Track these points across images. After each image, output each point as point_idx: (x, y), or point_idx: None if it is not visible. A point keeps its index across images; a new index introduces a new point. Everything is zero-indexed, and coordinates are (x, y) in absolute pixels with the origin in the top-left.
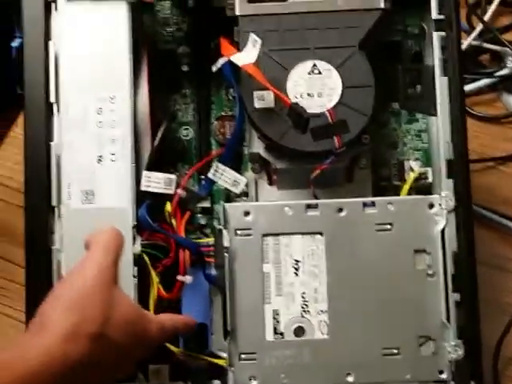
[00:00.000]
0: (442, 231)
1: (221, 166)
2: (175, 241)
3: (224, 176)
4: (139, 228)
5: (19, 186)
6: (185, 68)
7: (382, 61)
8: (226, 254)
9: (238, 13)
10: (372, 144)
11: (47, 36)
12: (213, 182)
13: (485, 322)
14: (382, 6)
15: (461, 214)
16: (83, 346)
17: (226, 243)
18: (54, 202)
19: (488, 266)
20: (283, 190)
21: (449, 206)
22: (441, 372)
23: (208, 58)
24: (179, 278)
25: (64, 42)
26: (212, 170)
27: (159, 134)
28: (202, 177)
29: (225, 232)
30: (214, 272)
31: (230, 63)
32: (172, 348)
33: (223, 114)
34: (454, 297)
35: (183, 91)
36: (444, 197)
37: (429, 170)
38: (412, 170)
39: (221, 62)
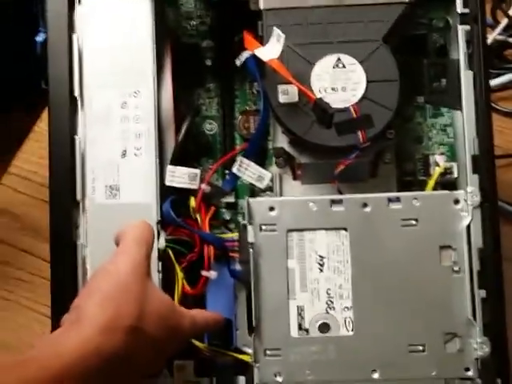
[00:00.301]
0: (468, 227)
1: (245, 160)
2: (199, 236)
3: (248, 171)
4: (163, 223)
5: (44, 180)
6: (208, 62)
7: (407, 54)
8: (250, 250)
9: (261, 7)
10: (397, 139)
11: (71, 30)
12: (237, 177)
13: (511, 319)
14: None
15: (486, 210)
16: (119, 340)
17: (250, 239)
18: (78, 197)
19: None
20: (307, 185)
21: (474, 201)
22: (467, 369)
23: (232, 52)
24: (204, 273)
25: (88, 36)
26: (236, 165)
27: (183, 129)
28: (227, 172)
29: (249, 227)
30: (238, 267)
31: (254, 57)
32: (197, 344)
33: (247, 108)
34: (480, 294)
35: (207, 85)
36: (469, 192)
37: (454, 164)
38: (437, 164)
39: (245, 55)
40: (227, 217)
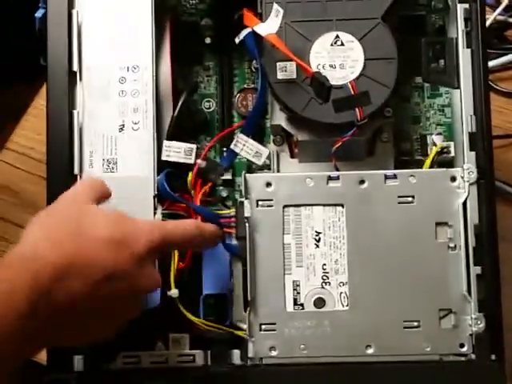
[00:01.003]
0: (464, 204)
1: (243, 136)
2: (194, 210)
3: (246, 147)
4: (160, 197)
5: (41, 156)
6: (208, 40)
7: (406, 34)
8: (246, 224)
9: None
10: (394, 117)
11: (71, 5)
12: (235, 154)
13: (506, 299)
14: None
15: (483, 187)
16: (58, 249)
17: (246, 213)
18: (76, 171)
19: (511, 242)
20: (305, 163)
21: (471, 178)
22: (461, 345)
23: (231, 30)
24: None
25: (87, 11)
26: (234, 141)
27: (180, 103)
28: (224, 149)
29: (246, 202)
30: (234, 243)
31: (253, 35)
32: (192, 318)
33: (245, 86)
34: (475, 270)
35: (206, 63)
36: (466, 169)
37: (451, 144)
38: (434, 144)
39: (244, 33)
40: (224, 194)
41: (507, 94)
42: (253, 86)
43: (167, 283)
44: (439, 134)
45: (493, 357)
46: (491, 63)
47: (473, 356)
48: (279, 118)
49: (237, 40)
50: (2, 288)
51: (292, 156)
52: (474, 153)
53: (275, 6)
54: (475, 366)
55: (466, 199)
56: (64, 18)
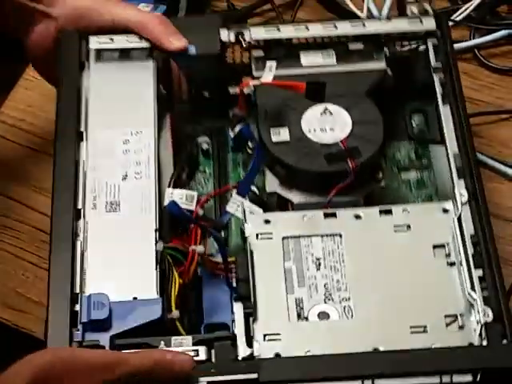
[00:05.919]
0: (459, 219)
1: (237, 197)
2: (207, 230)
3: (240, 208)
4: (168, 224)
5: (31, 128)
6: (205, 146)
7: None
8: (248, 244)
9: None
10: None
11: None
12: (230, 214)
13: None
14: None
15: (474, 205)
16: None
17: (247, 233)
18: (81, 128)
19: (502, 219)
20: None
21: (463, 199)
22: (470, 345)
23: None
24: (192, 247)
25: (94, 93)
26: (230, 203)
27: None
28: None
29: (246, 225)
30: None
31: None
32: None
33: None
34: (477, 273)
35: (201, 168)
36: (457, 193)
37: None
38: None
39: (238, 127)
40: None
41: (499, 71)
42: None
43: (168, 302)
44: None
45: (504, 341)
46: (483, 39)
47: (484, 343)
48: (273, 185)
49: (232, 134)
50: None
51: None
52: (462, 180)
53: (269, 62)
54: (487, 350)
55: (460, 215)
56: (74, 96)
